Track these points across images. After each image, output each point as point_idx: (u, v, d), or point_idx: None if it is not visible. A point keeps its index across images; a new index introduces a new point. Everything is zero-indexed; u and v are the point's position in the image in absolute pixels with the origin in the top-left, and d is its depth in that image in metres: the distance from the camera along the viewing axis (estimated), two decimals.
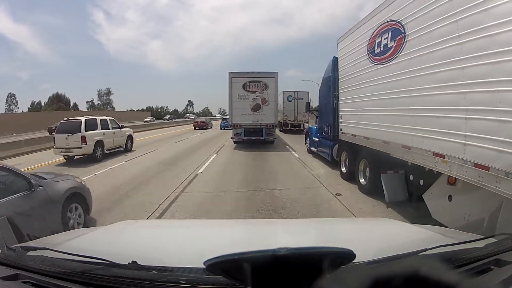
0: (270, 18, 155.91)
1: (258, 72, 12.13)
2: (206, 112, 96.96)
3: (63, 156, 9.36)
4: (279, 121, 19.95)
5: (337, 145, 7.08)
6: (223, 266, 0.69)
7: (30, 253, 1.04)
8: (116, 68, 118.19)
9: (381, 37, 4.53)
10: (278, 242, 0.74)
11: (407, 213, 4.06)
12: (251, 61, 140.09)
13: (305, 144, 10.95)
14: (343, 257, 0.71)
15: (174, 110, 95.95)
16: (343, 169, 6.57)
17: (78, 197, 3.73)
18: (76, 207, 3.67)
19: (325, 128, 8.05)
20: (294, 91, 19.91)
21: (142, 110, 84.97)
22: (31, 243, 1.23)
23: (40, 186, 3.17)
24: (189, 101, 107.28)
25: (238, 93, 11.92)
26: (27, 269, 0.95)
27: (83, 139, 8.85)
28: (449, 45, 2.96)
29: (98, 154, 9.35)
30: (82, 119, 9.35)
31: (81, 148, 8.91)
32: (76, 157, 9.44)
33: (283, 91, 19.73)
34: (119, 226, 1.85)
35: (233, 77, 11.99)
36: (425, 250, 0.96)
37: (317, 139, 8.96)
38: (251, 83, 11.94)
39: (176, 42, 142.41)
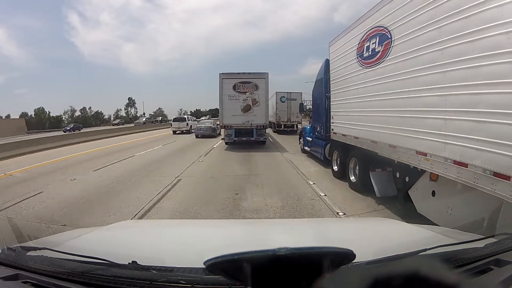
0: (244, 20, 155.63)
1: (249, 73, 12.10)
2: (159, 114, 76.35)
3: (174, 131, 22.05)
4: (272, 122, 19.92)
5: (329, 145, 7.20)
6: (223, 266, 0.69)
7: (30, 253, 1.04)
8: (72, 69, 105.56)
9: (370, 41, 4.72)
10: (278, 242, 0.74)
11: (395, 208, 4.22)
12: (226, 64, 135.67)
13: (299, 144, 11.08)
14: (343, 257, 0.71)
15: (96, 112, 72.80)
16: (335, 168, 6.69)
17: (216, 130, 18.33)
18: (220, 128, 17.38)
19: (318, 128, 8.21)
20: (287, 92, 19.85)
21: (29, 115, 57.99)
22: (31, 243, 1.22)
23: (218, 125, 17.20)
24: (129, 99, 78.96)
25: (228, 94, 11.90)
26: (27, 269, 0.95)
27: (188, 125, 22.16)
28: (432, 50, 3.12)
29: (191, 131, 20.84)
30: (185, 116, 24.31)
31: (186, 127, 22.05)
32: (177, 132, 21.89)
33: (276, 92, 19.71)
34: (119, 226, 1.85)
35: (224, 78, 11.97)
36: (425, 250, 0.96)
37: (311, 139, 9.10)
38: (242, 84, 11.93)
39: (140, 43, 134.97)
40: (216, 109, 76.56)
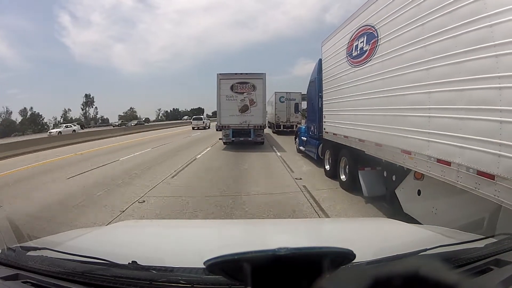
0: (236, 21, 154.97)
1: (246, 74, 12.16)
2: (130, 115, 69.59)
3: (193, 127, 28.53)
4: (272, 122, 19.77)
5: (322, 144, 7.23)
6: (223, 266, 0.69)
7: (30, 253, 1.04)
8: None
9: (358, 40, 4.75)
10: (278, 242, 0.74)
11: (383, 208, 4.22)
12: (217, 65, 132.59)
13: (295, 143, 11.17)
14: (343, 257, 0.71)
15: (32, 114, 55.99)
16: (327, 167, 6.72)
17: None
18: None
19: (312, 128, 8.26)
20: (287, 92, 19.64)
21: None
22: (31, 243, 1.22)
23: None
24: (86, 96, 65.70)
25: (226, 94, 11.97)
26: (27, 269, 0.95)
27: (204, 122, 29.54)
28: (415, 48, 3.12)
29: (206, 127, 28.76)
30: (201, 116, 33.73)
31: (202, 124, 29.04)
32: (195, 128, 28.39)
33: (275, 92, 19.56)
34: (119, 226, 1.85)
35: (222, 78, 12.03)
36: (425, 250, 0.96)
37: (305, 139, 9.15)
38: (239, 84, 11.97)
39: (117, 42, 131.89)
40: (198, 108, 77.81)
